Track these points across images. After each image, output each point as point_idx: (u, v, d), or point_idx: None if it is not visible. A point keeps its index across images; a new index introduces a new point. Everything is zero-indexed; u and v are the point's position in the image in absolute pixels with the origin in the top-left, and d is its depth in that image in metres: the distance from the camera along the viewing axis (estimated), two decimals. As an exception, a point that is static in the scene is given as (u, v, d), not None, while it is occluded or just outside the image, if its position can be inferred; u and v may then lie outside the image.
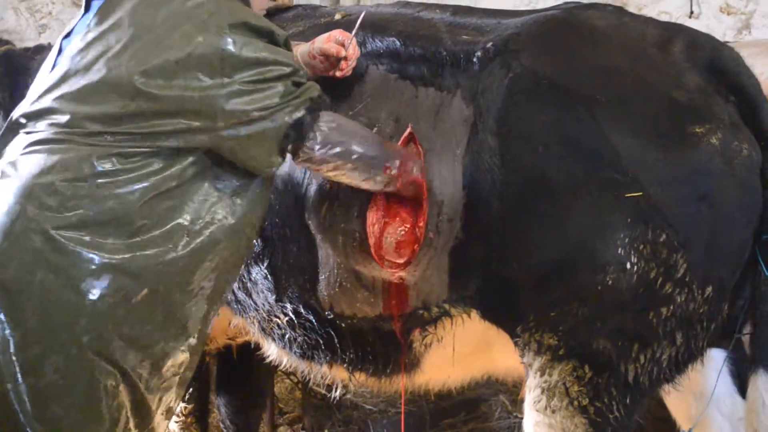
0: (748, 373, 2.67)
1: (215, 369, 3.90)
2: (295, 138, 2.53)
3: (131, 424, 2.44)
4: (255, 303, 3.08)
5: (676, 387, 2.73)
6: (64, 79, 2.47)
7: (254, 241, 2.73)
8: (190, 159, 2.46)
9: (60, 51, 2.59)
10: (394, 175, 2.65)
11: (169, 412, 2.59)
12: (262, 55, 2.47)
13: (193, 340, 2.55)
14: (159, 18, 2.46)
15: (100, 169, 2.38)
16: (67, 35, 2.62)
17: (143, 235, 2.39)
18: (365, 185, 2.68)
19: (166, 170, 2.43)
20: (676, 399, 3.02)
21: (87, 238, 2.33)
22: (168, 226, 2.42)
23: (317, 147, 2.57)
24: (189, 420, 3.66)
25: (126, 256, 2.36)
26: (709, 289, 2.53)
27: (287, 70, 2.51)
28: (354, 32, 2.79)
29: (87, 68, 2.46)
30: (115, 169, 2.39)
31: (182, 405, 3.60)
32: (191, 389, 3.61)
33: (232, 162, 2.51)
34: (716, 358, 2.96)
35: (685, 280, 2.49)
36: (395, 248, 2.69)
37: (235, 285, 3.10)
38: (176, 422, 3.66)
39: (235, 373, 3.87)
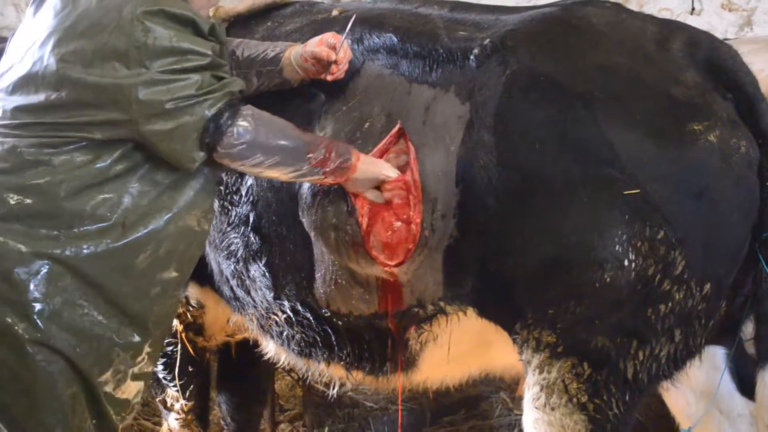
0: (756, 370, 2.66)
1: (216, 366, 3.90)
2: (213, 132, 2.49)
3: (87, 416, 2.47)
4: (253, 300, 3.08)
5: (674, 384, 2.73)
6: (3, 73, 2.52)
7: (208, 231, 2.74)
8: (119, 152, 2.45)
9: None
10: (319, 163, 2.62)
11: (129, 408, 2.60)
12: (178, 44, 2.44)
13: (146, 333, 2.56)
14: (79, 7, 2.46)
15: (28, 158, 2.40)
16: None
17: (77, 228, 2.41)
18: (289, 177, 2.66)
19: (95, 163, 2.43)
20: (675, 396, 3.02)
21: (19, 229, 2.36)
22: (103, 219, 2.44)
23: (235, 142, 2.52)
24: (189, 417, 3.65)
25: (60, 248, 2.38)
26: (707, 286, 2.53)
27: (205, 61, 2.48)
28: (345, 36, 2.79)
29: (20, 59, 2.49)
30: (43, 160, 2.40)
31: (183, 402, 3.60)
32: (192, 386, 3.60)
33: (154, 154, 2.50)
34: (715, 355, 2.96)
35: (684, 277, 2.49)
36: (389, 248, 2.68)
37: (234, 282, 3.10)
38: (177, 419, 3.66)
39: (235, 370, 3.87)
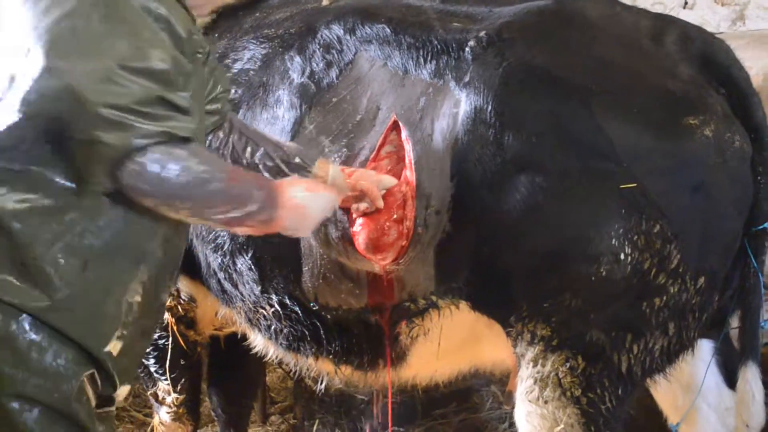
0: (738, 364, 2.68)
1: (207, 359, 3.89)
2: (129, 165, 2.12)
3: None
4: (241, 294, 3.06)
5: (667, 377, 2.74)
6: None
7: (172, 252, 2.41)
8: (62, 178, 2.15)
9: None
10: (240, 222, 2.31)
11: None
12: (134, 41, 2.11)
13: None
14: None
15: None
16: None
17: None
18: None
19: (33, 190, 2.15)
20: (662, 390, 3.03)
21: None
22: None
23: (151, 191, 2.16)
24: (181, 410, 3.64)
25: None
26: (702, 279, 2.54)
27: (157, 68, 2.12)
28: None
29: None
30: None
31: (174, 396, 3.58)
32: (183, 380, 3.59)
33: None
34: (702, 349, 2.97)
35: (679, 270, 2.50)
36: (382, 246, 2.67)
37: (222, 275, 3.08)
38: (168, 413, 3.65)
39: (226, 362, 3.86)
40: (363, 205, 2.67)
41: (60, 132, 2.12)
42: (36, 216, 2.15)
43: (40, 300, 2.16)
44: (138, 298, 2.31)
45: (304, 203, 2.37)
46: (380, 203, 2.65)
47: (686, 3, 5.11)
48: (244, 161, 2.70)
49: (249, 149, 2.70)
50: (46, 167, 2.15)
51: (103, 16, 2.13)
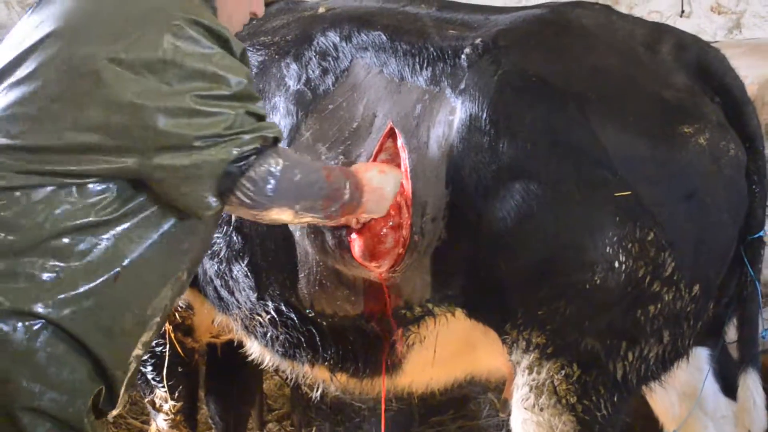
0: (736, 372, 2.68)
1: (204, 366, 3.89)
2: (235, 180, 2.17)
3: None
4: (237, 301, 3.06)
5: (662, 385, 2.75)
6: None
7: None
8: (117, 192, 2.13)
9: None
10: (333, 217, 2.47)
11: None
12: (210, 67, 2.10)
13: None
14: (96, 7, 2.16)
15: (8, 185, 2.07)
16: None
17: (60, 276, 2.10)
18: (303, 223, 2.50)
19: (83, 203, 2.11)
20: (659, 397, 3.03)
21: None
22: (93, 269, 2.14)
23: (255, 196, 2.21)
24: (178, 418, 3.64)
25: (40, 302, 2.09)
26: (696, 287, 2.54)
27: (236, 91, 2.14)
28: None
29: (17, 63, 2.14)
30: (26, 190, 2.08)
31: (171, 403, 3.59)
32: (181, 387, 3.59)
33: (160, 196, 2.16)
34: (699, 356, 2.97)
35: (673, 278, 2.50)
36: (378, 254, 2.66)
37: (218, 282, 3.08)
38: (165, 420, 3.65)
39: (223, 370, 3.86)
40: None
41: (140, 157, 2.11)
42: (81, 230, 2.13)
43: (65, 306, 2.12)
44: (158, 319, 2.32)
45: (381, 185, 2.54)
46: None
47: (683, 11, 5.13)
48: None
49: None
50: (111, 181, 2.14)
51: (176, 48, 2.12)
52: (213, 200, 2.18)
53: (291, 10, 3.24)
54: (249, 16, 2.48)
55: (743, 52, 3.70)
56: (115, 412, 2.40)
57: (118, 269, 2.16)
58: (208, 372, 3.90)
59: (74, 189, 2.10)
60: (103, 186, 2.12)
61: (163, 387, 3.56)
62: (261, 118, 2.23)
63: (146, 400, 3.68)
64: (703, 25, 4.97)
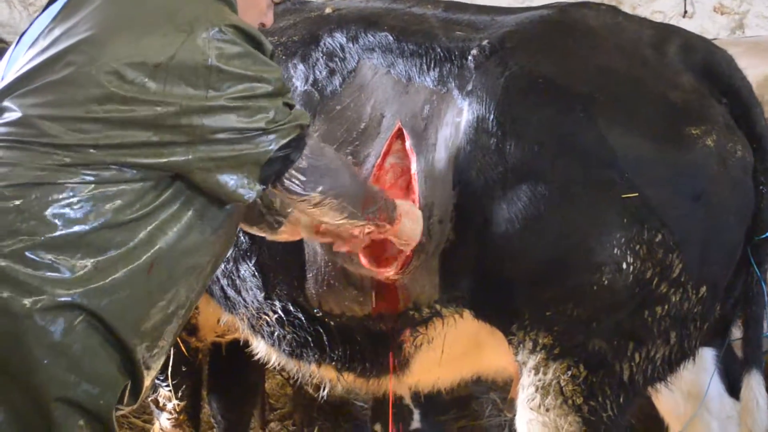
0: (742, 373, 2.68)
1: (207, 366, 3.88)
2: (280, 166, 2.29)
3: None
4: (244, 300, 3.06)
5: (668, 386, 2.75)
6: (24, 76, 2.20)
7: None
8: (154, 186, 2.20)
9: (17, 44, 2.35)
10: (372, 215, 2.51)
11: None
12: (251, 69, 2.21)
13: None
14: (138, 12, 2.22)
15: (47, 181, 2.12)
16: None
17: (99, 264, 2.15)
18: (337, 222, 2.49)
19: (123, 197, 2.17)
20: (664, 397, 3.03)
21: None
22: (131, 258, 2.19)
23: (302, 178, 2.34)
24: (181, 417, 3.64)
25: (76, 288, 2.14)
26: (703, 289, 2.54)
27: (275, 88, 2.25)
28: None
29: (50, 64, 2.18)
30: (67, 186, 2.13)
31: (175, 402, 3.59)
32: (184, 386, 3.59)
33: (201, 188, 2.25)
34: (704, 357, 2.97)
35: (680, 280, 2.50)
36: (386, 257, 2.68)
37: (225, 282, 3.08)
38: (168, 419, 3.65)
39: (226, 369, 3.85)
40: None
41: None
42: (121, 225, 2.19)
43: (102, 296, 2.16)
44: (183, 311, 2.36)
45: (416, 211, 2.64)
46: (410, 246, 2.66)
47: (686, 12, 5.12)
48: None
49: None
50: (152, 177, 2.21)
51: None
52: (255, 186, 2.27)
53: (297, 11, 3.24)
54: (258, 26, 2.50)
55: (742, 51, 3.69)
56: (128, 409, 2.43)
57: (151, 261, 2.21)
58: (211, 371, 3.89)
59: (115, 185, 2.17)
60: (144, 183, 2.19)
61: (167, 386, 3.56)
62: (293, 107, 2.34)
63: (149, 399, 3.67)
64: (705, 26, 4.96)
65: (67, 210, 2.14)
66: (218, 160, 2.21)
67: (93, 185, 2.15)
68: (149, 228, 2.21)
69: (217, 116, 2.18)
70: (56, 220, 2.13)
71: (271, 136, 2.24)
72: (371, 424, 3.93)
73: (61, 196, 2.13)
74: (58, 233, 2.12)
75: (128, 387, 2.27)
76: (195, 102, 2.15)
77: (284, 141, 2.26)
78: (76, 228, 2.14)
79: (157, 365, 2.37)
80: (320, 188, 2.38)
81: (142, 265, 2.20)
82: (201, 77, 2.15)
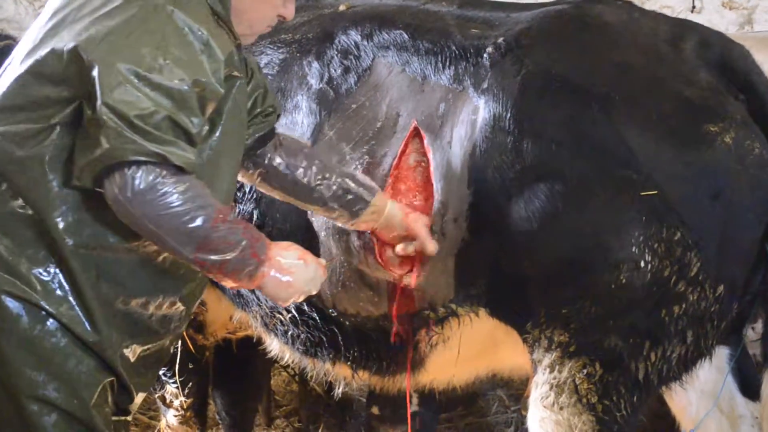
0: (759, 371, 2.68)
1: (213, 362, 3.87)
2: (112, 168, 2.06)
3: None
4: (258, 298, 3.05)
5: (683, 385, 2.74)
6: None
7: None
8: None
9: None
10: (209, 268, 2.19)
11: None
12: (169, 53, 2.08)
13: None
14: None
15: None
16: None
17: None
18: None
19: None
20: (676, 396, 3.02)
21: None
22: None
23: (121, 188, 2.06)
24: (188, 414, 3.64)
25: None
26: (721, 287, 2.53)
27: (174, 87, 2.07)
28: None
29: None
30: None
31: (182, 399, 3.58)
32: (191, 383, 3.58)
33: None
34: (717, 355, 2.96)
35: (698, 278, 2.49)
36: (401, 257, 2.66)
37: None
38: (175, 416, 3.64)
39: (232, 366, 3.84)
40: (410, 248, 2.64)
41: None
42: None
43: (63, 304, 2.18)
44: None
45: (292, 269, 2.26)
46: (431, 248, 2.61)
47: (694, 7, 5.10)
48: (305, 180, 2.63)
49: (301, 170, 2.63)
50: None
51: (141, 22, 2.12)
52: (86, 176, 2.10)
53: (311, 7, 3.22)
54: (276, 18, 2.42)
55: (751, 46, 3.67)
56: (138, 404, 2.43)
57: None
58: (217, 368, 3.88)
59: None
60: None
61: (174, 383, 3.56)
62: (185, 134, 2.10)
63: (156, 395, 3.67)
64: (714, 21, 4.93)
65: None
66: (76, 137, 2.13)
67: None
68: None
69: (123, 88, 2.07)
70: None
71: (127, 143, 2.03)
72: (367, 408, 3.90)
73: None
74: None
75: (115, 385, 2.28)
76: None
77: (133, 158, 2.03)
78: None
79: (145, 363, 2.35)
80: (141, 223, 2.10)
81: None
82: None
